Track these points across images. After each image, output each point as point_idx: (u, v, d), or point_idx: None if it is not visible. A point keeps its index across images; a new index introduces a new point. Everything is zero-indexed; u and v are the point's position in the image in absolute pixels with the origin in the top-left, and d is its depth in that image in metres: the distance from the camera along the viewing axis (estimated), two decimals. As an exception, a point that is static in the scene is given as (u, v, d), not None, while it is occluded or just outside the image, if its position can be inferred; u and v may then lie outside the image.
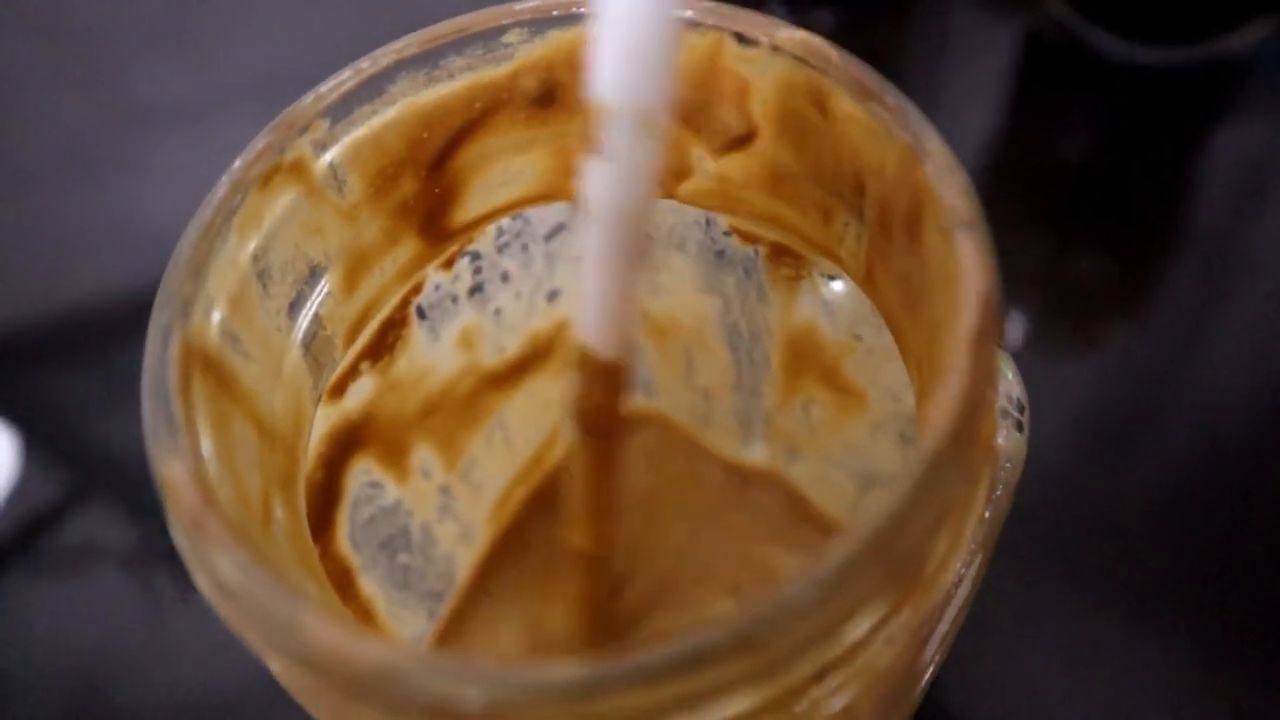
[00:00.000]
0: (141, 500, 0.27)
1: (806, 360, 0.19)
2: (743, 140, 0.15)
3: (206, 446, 0.12)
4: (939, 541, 0.12)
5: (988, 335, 0.11)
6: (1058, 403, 0.26)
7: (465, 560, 0.22)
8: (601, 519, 0.15)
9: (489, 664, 0.10)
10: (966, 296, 0.12)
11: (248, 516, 0.12)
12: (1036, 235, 0.29)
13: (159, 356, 0.12)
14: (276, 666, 0.12)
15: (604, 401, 0.14)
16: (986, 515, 0.15)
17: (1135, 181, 0.29)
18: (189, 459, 0.11)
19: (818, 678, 0.11)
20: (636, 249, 0.12)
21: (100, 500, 0.28)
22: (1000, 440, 0.15)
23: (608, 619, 0.17)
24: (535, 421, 0.22)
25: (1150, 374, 0.27)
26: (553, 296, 0.20)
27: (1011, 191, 0.30)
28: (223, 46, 0.35)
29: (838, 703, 0.12)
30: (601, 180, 0.12)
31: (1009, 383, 0.16)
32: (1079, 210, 0.29)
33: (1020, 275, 0.28)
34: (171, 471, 0.11)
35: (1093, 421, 0.26)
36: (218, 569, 0.11)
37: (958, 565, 0.13)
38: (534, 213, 0.19)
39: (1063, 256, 0.28)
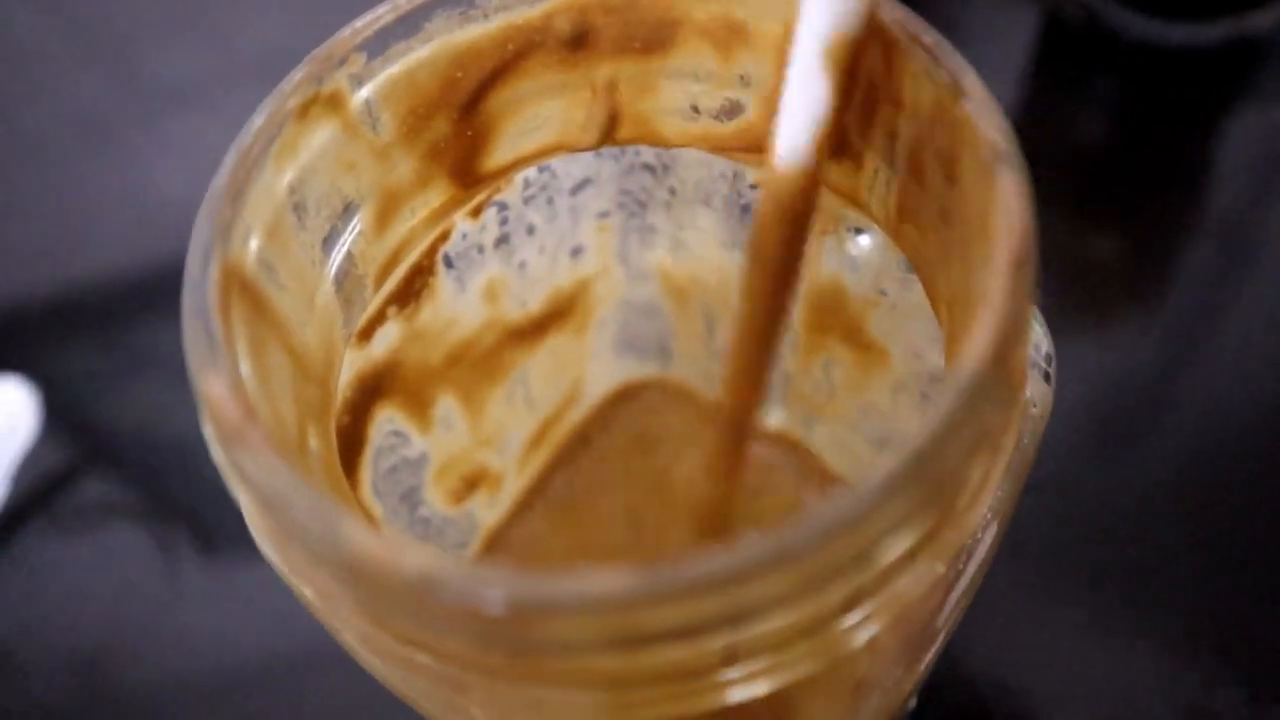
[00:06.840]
0: (157, 461, 0.28)
1: (830, 317, 0.19)
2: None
3: (245, 368, 0.12)
4: (973, 470, 0.12)
5: (1026, 263, 0.11)
6: (1071, 382, 0.26)
7: (485, 516, 0.22)
8: (755, 370, 0.15)
9: (528, 572, 0.10)
10: (1006, 226, 0.12)
11: (285, 440, 0.13)
12: (1053, 215, 0.29)
13: (199, 275, 0.12)
14: (310, 585, 0.12)
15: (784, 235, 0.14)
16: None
17: (1153, 162, 0.29)
18: (228, 373, 0.11)
19: (849, 603, 0.12)
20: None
21: (117, 460, 0.28)
22: (1028, 390, 0.15)
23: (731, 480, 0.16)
24: (555, 380, 0.22)
25: (1164, 355, 0.27)
26: (576, 253, 0.20)
27: (1028, 171, 0.30)
28: (236, 22, 0.35)
29: (865, 634, 0.12)
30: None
31: (1037, 334, 0.16)
32: (1096, 190, 0.29)
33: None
34: (211, 386, 0.11)
35: (1105, 402, 0.26)
36: (258, 480, 0.11)
37: (986, 505, 0.13)
38: (560, 166, 0.19)
39: (1079, 237, 0.28)
